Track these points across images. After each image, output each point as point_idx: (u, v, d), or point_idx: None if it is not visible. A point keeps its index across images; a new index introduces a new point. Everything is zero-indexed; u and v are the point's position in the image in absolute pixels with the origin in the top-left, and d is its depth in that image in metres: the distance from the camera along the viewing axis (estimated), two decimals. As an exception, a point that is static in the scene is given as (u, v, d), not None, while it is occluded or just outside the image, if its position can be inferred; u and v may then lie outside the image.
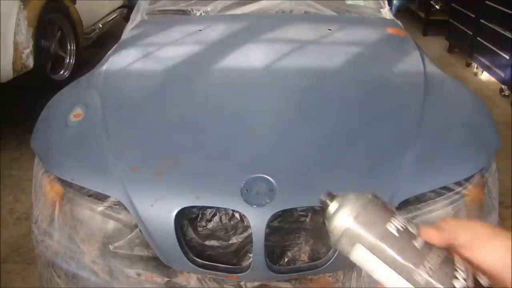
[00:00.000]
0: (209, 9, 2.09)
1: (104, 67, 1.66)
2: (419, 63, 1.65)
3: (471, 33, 4.25)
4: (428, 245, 0.44)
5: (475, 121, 1.42)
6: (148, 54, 1.79)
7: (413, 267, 0.43)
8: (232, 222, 1.10)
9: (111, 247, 1.16)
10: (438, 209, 1.16)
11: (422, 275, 0.43)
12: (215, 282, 1.12)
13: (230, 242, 1.10)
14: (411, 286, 0.43)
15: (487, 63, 3.97)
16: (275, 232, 1.09)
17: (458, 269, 0.43)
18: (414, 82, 1.54)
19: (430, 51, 4.23)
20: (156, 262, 1.14)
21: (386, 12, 2.18)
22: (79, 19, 3.85)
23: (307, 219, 1.11)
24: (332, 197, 0.48)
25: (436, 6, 4.98)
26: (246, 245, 1.10)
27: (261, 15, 2.05)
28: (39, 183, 1.30)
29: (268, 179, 1.08)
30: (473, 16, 4.22)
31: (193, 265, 1.09)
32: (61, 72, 3.69)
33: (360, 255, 0.45)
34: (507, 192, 2.27)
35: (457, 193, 1.17)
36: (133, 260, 1.15)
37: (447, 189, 1.16)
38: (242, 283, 1.12)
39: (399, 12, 2.40)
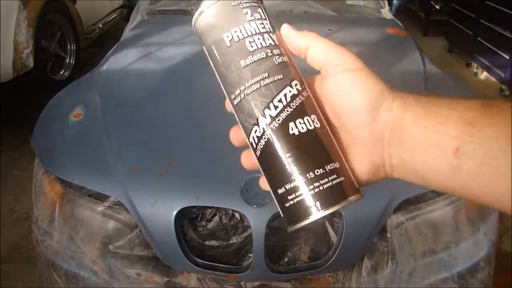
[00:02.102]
0: (209, 9, 2.08)
1: (104, 67, 1.66)
2: (419, 63, 1.65)
3: (471, 33, 4.25)
4: (258, 67, 0.37)
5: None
6: (148, 54, 1.79)
7: (231, 85, 0.39)
8: (232, 222, 1.10)
9: (111, 247, 1.16)
10: (438, 209, 1.16)
11: (236, 97, 0.39)
12: (215, 282, 1.12)
13: (230, 242, 1.10)
14: (230, 104, 0.40)
15: (487, 63, 3.97)
16: (275, 232, 1.09)
17: (271, 105, 0.37)
18: (414, 82, 1.54)
19: (430, 51, 4.23)
20: (156, 262, 1.14)
21: (386, 12, 2.18)
22: (79, 19, 3.85)
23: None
24: None
25: (436, 6, 4.97)
26: (246, 245, 1.10)
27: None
28: (39, 183, 1.30)
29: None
30: (473, 16, 4.23)
31: (193, 265, 1.09)
32: (61, 72, 3.69)
33: (205, 52, 0.41)
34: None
35: (457, 193, 1.17)
36: (133, 260, 1.15)
37: (447, 189, 1.16)
38: (242, 283, 1.12)
39: (399, 12, 2.39)
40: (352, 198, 0.36)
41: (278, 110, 0.37)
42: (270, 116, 0.37)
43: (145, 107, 1.43)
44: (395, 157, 0.37)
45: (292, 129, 0.37)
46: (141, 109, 1.43)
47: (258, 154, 0.39)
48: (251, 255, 1.08)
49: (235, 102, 0.39)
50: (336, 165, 0.37)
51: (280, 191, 0.37)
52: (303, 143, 0.37)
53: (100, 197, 1.17)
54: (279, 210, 0.38)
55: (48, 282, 1.26)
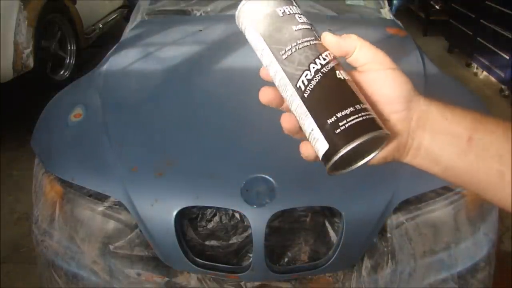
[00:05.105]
0: (209, 9, 2.09)
1: (104, 67, 1.66)
2: (419, 63, 1.65)
3: (471, 33, 4.25)
4: (307, 33, 0.47)
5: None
6: (148, 54, 1.79)
7: (281, 44, 0.46)
8: (232, 222, 1.10)
9: (111, 247, 1.16)
10: (438, 209, 1.16)
11: (286, 52, 0.46)
12: (215, 282, 1.13)
13: (230, 242, 1.10)
14: (276, 61, 0.47)
15: (487, 63, 3.97)
16: (275, 232, 1.09)
17: (321, 57, 0.46)
18: (414, 82, 1.53)
19: (430, 51, 4.23)
20: (156, 262, 1.14)
21: (386, 12, 2.18)
22: (79, 19, 3.85)
23: (307, 219, 1.11)
24: None
25: (436, 6, 4.98)
26: (246, 245, 1.10)
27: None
28: (39, 183, 1.30)
29: (268, 179, 1.08)
30: (473, 16, 4.23)
31: (193, 265, 1.09)
32: (61, 72, 3.69)
33: (249, 33, 0.49)
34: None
35: (457, 193, 1.17)
36: (133, 260, 1.15)
37: (447, 189, 1.16)
38: (242, 283, 1.12)
39: (399, 12, 2.39)
40: (384, 130, 0.44)
41: (326, 60, 0.46)
42: (321, 64, 0.45)
43: (145, 107, 1.43)
44: (416, 139, 0.47)
45: (339, 75, 0.45)
46: (141, 109, 1.43)
47: (306, 95, 0.45)
48: (251, 255, 1.08)
49: (284, 56, 0.46)
50: (368, 106, 0.45)
51: (330, 120, 0.44)
52: (346, 85, 0.45)
53: (100, 197, 1.17)
54: (326, 141, 0.44)
55: (48, 282, 1.26)
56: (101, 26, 4.36)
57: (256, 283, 1.12)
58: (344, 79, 0.45)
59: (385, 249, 1.13)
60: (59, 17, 3.58)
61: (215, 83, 1.58)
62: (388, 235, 1.13)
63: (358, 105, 0.44)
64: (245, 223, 1.08)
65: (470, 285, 1.19)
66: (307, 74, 0.45)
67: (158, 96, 1.48)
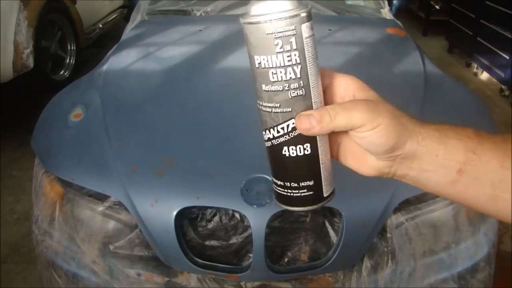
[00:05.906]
0: (209, 9, 2.09)
1: (104, 67, 1.66)
2: (419, 63, 1.65)
3: (471, 33, 4.25)
4: (272, 98, 0.44)
5: (475, 121, 1.42)
6: (148, 54, 1.79)
7: (258, 92, 0.45)
8: (232, 222, 1.10)
9: (111, 247, 1.16)
10: (438, 209, 1.16)
11: (258, 102, 0.45)
12: (215, 282, 1.13)
13: (230, 242, 1.10)
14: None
15: (487, 63, 3.97)
16: (275, 232, 1.09)
17: (275, 129, 0.45)
18: (414, 82, 1.54)
19: (430, 51, 4.23)
20: (156, 262, 1.14)
21: (386, 12, 2.18)
22: (79, 19, 3.85)
23: (307, 219, 1.12)
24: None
25: (436, 6, 4.98)
26: (246, 245, 1.10)
27: (261, 15, 2.04)
28: (39, 183, 1.30)
29: (268, 179, 1.08)
30: (473, 16, 4.23)
31: (193, 265, 1.09)
32: (61, 72, 3.69)
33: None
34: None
35: (457, 193, 1.17)
36: (133, 260, 1.15)
37: (447, 189, 1.16)
38: (242, 283, 1.12)
39: (399, 12, 2.39)
40: (310, 207, 0.48)
41: (279, 134, 0.45)
42: (273, 135, 0.46)
43: (145, 107, 1.43)
44: (401, 171, 0.46)
45: (284, 151, 0.46)
46: (141, 109, 1.43)
47: (266, 150, 0.48)
48: (251, 255, 1.08)
49: (258, 103, 0.46)
50: (311, 183, 0.47)
51: (274, 180, 0.49)
52: (290, 163, 0.46)
53: (100, 197, 1.17)
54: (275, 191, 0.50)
55: (48, 282, 1.26)
56: (101, 26, 4.36)
57: (256, 283, 1.12)
58: (289, 156, 0.45)
59: (385, 249, 1.13)
60: (59, 17, 3.58)
61: (215, 83, 1.58)
62: (388, 235, 1.13)
63: (291, 183, 0.47)
64: (245, 223, 1.09)
65: (470, 285, 1.19)
66: (263, 135, 0.47)
67: (158, 96, 1.48)
